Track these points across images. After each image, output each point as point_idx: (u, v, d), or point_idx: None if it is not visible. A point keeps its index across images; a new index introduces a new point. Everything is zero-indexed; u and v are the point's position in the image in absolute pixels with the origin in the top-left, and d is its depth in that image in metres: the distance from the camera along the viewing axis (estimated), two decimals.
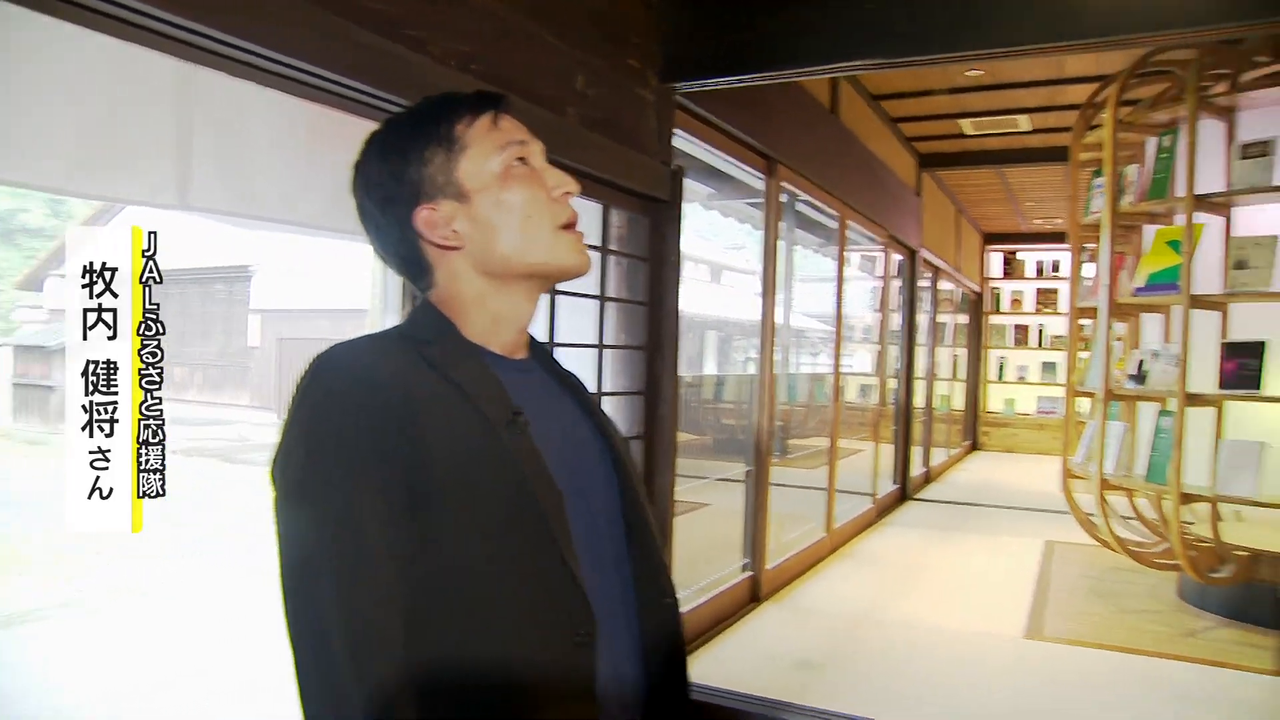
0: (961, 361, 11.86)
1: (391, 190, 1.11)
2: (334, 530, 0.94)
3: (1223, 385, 4.05)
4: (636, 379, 3.26)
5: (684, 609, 3.85)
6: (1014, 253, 12.46)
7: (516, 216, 1.10)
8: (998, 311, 12.47)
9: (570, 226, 1.13)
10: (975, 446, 12.13)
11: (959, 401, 11.82)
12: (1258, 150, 4.05)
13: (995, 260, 12.54)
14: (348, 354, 1.02)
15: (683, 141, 3.72)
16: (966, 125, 7.17)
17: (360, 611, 0.93)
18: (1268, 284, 3.93)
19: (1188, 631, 4.31)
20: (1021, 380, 12.32)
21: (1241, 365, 4.00)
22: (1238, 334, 4.11)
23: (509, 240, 1.10)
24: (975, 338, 12.22)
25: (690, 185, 5.17)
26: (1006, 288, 12.49)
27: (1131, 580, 5.12)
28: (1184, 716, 3.34)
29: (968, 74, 5.97)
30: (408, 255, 1.14)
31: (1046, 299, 12.18)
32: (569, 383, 1.23)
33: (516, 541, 1.00)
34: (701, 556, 4.59)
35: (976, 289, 12.12)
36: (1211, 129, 4.31)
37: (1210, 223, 4.22)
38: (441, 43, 2.14)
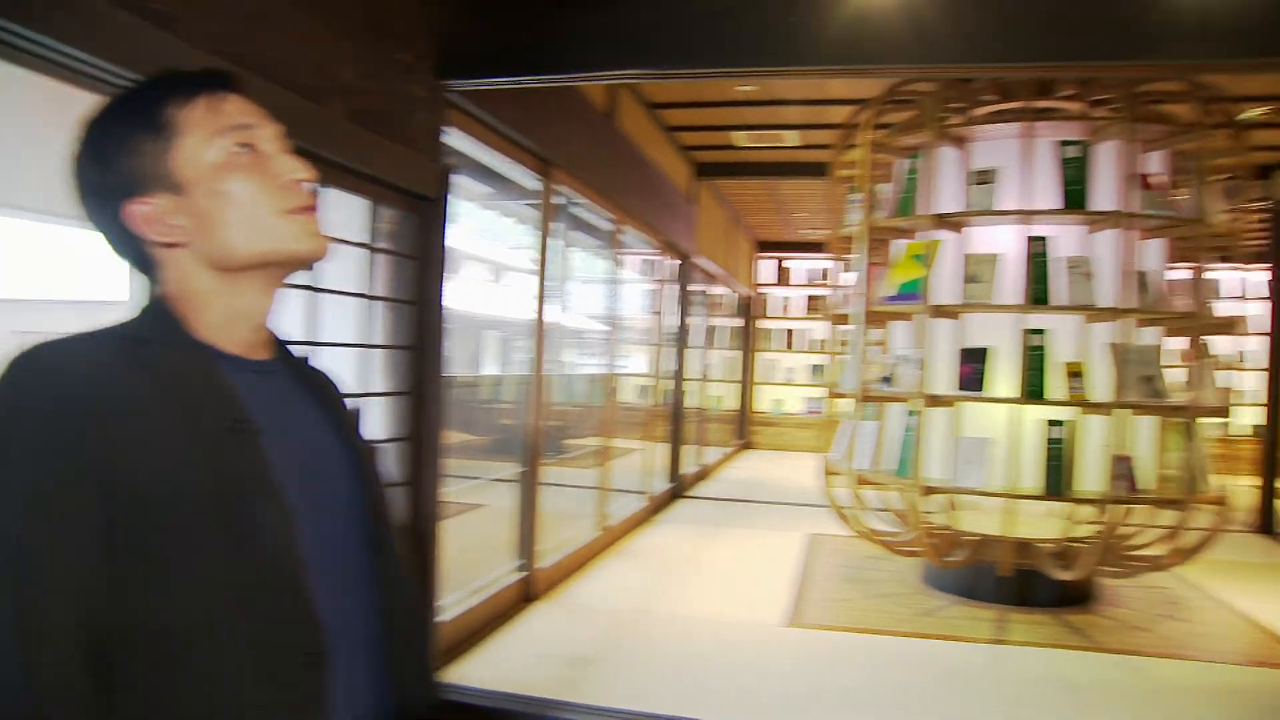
0: (734, 363, 12.39)
1: (103, 182, 1.02)
2: (11, 560, 0.85)
3: (961, 387, 4.46)
4: (405, 379, 3.20)
5: (456, 611, 3.84)
6: (785, 260, 13.15)
7: (237, 207, 1.02)
8: (768, 316, 13.11)
9: (303, 210, 1.06)
10: (747, 445, 12.69)
11: (731, 402, 12.34)
12: (985, 177, 4.49)
13: (767, 267, 13.18)
14: (50, 355, 0.92)
15: (459, 140, 3.69)
16: (740, 137, 7.49)
17: (43, 656, 0.84)
18: (989, 297, 4.37)
19: (927, 611, 4.70)
20: (790, 382, 13.00)
21: (974, 369, 4.41)
22: (971, 341, 4.52)
23: (232, 233, 1.02)
24: (747, 341, 12.79)
25: (469, 184, 5.14)
26: (777, 293, 13.16)
27: (882, 567, 5.52)
28: (919, 686, 3.66)
29: (740, 89, 6.24)
30: (130, 251, 1.05)
31: (814, 305, 12.94)
32: (317, 386, 1.16)
33: (237, 558, 0.94)
34: (475, 558, 4.57)
35: (749, 294, 12.68)
36: (951, 156, 4.72)
37: (949, 239, 4.62)
38: (191, 20, 2.02)
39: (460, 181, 4.66)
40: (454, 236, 3.33)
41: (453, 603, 3.89)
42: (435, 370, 3.24)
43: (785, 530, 6.77)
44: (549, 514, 4.90)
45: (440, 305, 3.24)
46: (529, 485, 4.64)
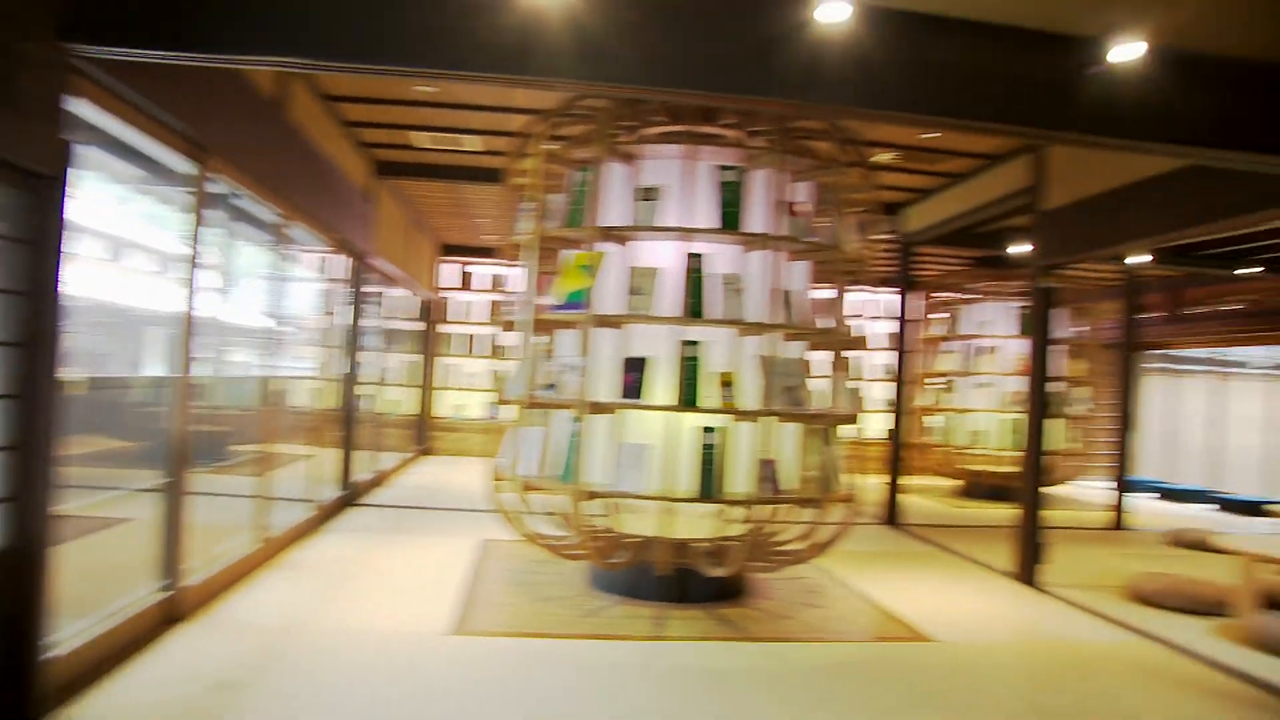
0: (415, 367, 12.15)
1: None
2: None
3: (623, 395, 4.63)
4: (12, 381, 2.80)
5: (78, 642, 3.44)
6: (468, 265, 13.08)
7: None
8: (450, 320, 12.98)
9: None
10: (427, 451, 12.47)
11: (411, 407, 12.08)
12: (650, 194, 4.71)
13: (450, 270, 13.05)
14: None
15: (95, 115, 3.30)
16: (420, 138, 7.35)
17: None
18: (650, 309, 4.59)
19: (590, 612, 4.83)
20: (472, 387, 12.94)
21: (635, 378, 4.60)
22: (633, 351, 4.70)
23: None
24: (428, 345, 12.59)
25: (119, 166, 4.62)
26: (460, 298, 13.06)
27: (551, 571, 5.61)
28: (578, 686, 3.74)
29: (419, 89, 6.11)
30: None
31: (497, 310, 12.98)
32: None
33: None
34: (108, 578, 4.12)
35: (431, 297, 12.49)
36: (620, 171, 4.90)
37: (615, 252, 4.79)
38: None
39: (106, 161, 4.19)
40: (102, 220, 2.97)
41: (74, 633, 3.46)
42: (50, 370, 2.86)
43: (458, 537, 6.71)
44: (202, 526, 4.52)
45: (57, 296, 2.88)
46: (175, 496, 4.25)
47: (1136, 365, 10.46)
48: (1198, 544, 7.98)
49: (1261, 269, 9.54)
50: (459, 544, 6.44)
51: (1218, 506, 11.68)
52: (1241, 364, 14.04)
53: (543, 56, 3.15)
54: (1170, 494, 12.44)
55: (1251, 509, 10.86)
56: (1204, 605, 5.57)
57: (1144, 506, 11.03)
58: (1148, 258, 8.96)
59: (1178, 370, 14.34)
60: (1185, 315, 12.01)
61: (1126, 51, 3.46)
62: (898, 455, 8.83)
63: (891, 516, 8.65)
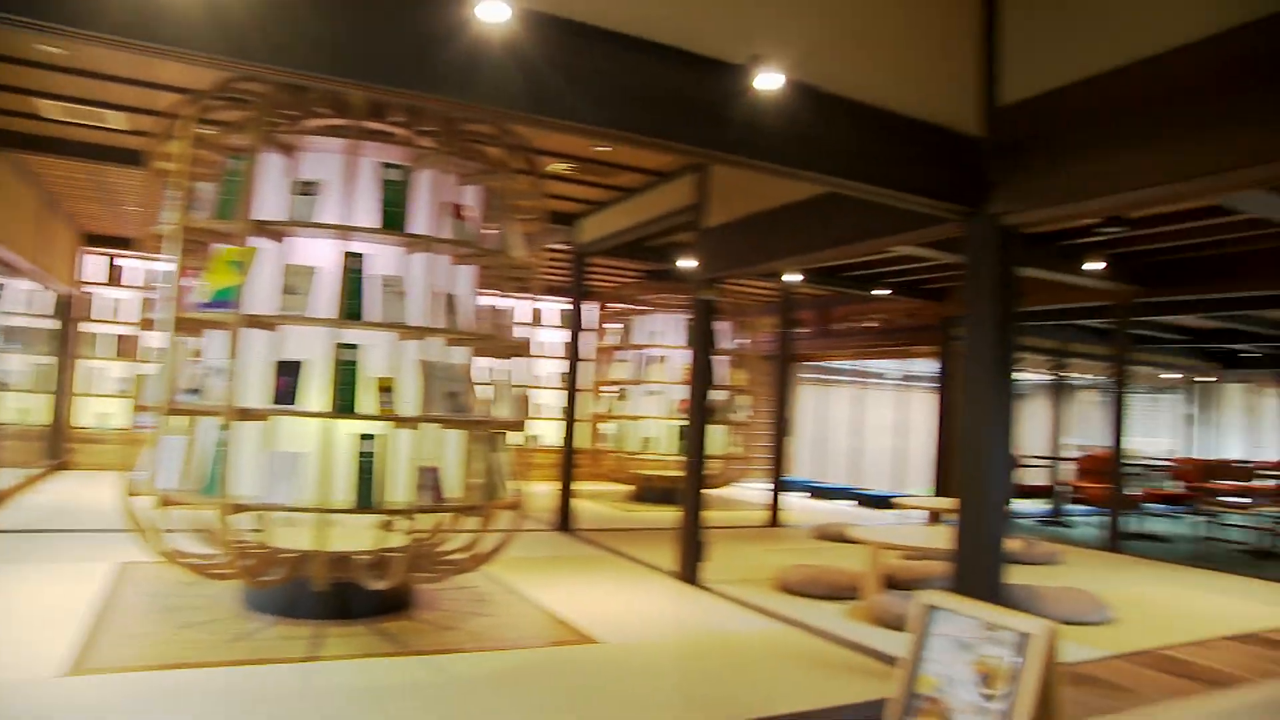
0: (48, 372, 10.79)
1: None
2: None
3: (276, 400, 4.33)
4: None
5: None
6: (118, 257, 11.81)
7: None
8: (95, 319, 11.66)
9: None
10: (62, 465, 11.12)
11: (43, 416, 10.71)
12: (308, 189, 4.46)
13: (98, 264, 11.73)
14: None
15: None
16: (50, 108, 6.52)
17: None
18: (305, 309, 4.34)
19: (241, 635, 4.47)
20: (122, 394, 11.70)
21: (288, 382, 4.33)
22: (287, 354, 4.42)
23: None
24: (66, 346, 11.22)
25: None
26: (107, 294, 11.77)
27: (201, 593, 5.16)
28: (223, 717, 3.41)
29: (43, 47, 5.40)
30: None
31: (152, 308, 11.83)
32: None
33: None
34: None
35: (70, 293, 11.16)
36: (278, 162, 4.60)
37: (270, 248, 4.49)
38: None
39: None
40: None
41: None
42: None
43: (91, 561, 6.01)
44: None
45: None
46: None
47: (791, 375, 11.42)
48: (837, 536, 8.83)
49: (890, 291, 10.77)
50: (91, 569, 5.76)
51: (857, 502, 13.02)
52: (879, 375, 15.81)
53: (167, 24, 2.84)
54: (819, 492, 13.71)
55: (883, 503, 12.20)
56: (840, 590, 6.15)
57: (797, 504, 12.07)
58: (799, 277, 9.84)
59: (826, 380, 15.86)
60: (833, 330, 13.32)
61: (768, 81, 3.72)
62: (570, 461, 9.01)
63: (564, 522, 8.81)
